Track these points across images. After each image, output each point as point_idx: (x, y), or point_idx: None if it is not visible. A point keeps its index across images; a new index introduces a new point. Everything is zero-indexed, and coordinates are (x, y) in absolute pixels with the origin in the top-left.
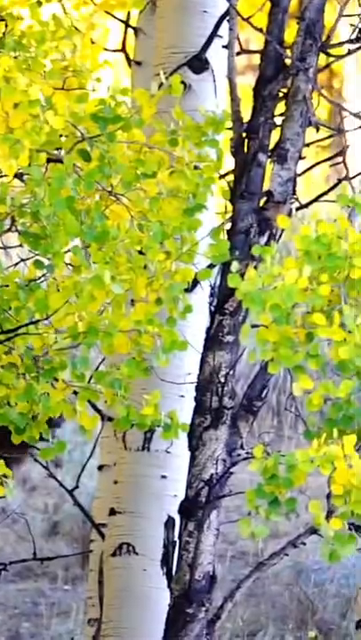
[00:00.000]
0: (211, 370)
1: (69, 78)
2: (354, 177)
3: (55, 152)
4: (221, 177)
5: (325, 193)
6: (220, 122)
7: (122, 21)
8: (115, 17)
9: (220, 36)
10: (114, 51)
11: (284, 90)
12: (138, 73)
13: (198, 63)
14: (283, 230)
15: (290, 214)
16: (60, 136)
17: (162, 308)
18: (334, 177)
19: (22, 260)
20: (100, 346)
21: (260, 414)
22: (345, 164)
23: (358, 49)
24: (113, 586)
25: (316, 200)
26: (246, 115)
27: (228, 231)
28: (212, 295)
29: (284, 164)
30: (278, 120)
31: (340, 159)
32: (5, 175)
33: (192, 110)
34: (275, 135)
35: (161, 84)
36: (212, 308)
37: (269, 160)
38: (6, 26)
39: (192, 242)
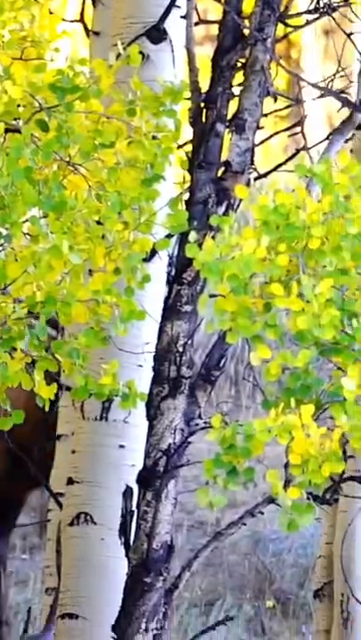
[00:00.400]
0: (169, 339)
1: (27, 48)
2: (312, 147)
3: (13, 122)
4: (179, 147)
5: (284, 163)
6: (178, 92)
7: None
8: None
9: (179, 7)
10: (72, 21)
11: (243, 60)
12: (96, 43)
13: (156, 33)
14: (241, 200)
15: (248, 184)
16: (18, 106)
17: (120, 278)
18: (292, 147)
19: None
20: (58, 315)
21: (218, 384)
22: (303, 134)
23: (316, 19)
24: (71, 555)
25: (274, 170)
26: (204, 85)
27: (186, 201)
28: (170, 265)
29: (243, 134)
30: (236, 90)
31: (298, 129)
32: None
33: (150, 80)
34: (233, 105)
35: (119, 55)
36: (171, 278)
37: (227, 130)
38: None
39: (150, 212)
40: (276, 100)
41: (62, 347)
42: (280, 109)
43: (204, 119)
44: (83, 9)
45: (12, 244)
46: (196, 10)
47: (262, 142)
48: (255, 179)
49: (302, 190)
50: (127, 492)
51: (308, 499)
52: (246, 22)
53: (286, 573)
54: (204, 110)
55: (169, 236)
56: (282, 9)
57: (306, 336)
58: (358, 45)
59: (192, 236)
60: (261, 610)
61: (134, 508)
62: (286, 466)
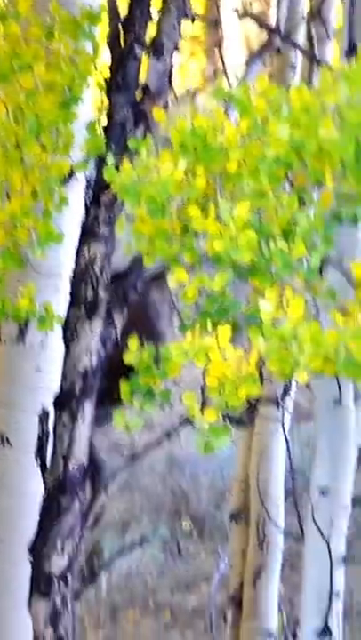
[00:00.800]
0: (86, 262)
1: None
2: (229, 71)
3: None
4: (98, 70)
5: (202, 87)
6: (96, 15)
7: None
8: None
9: None
10: None
11: None
12: None
13: None
14: (158, 123)
15: (166, 107)
16: None
17: (38, 201)
18: (210, 71)
19: None
20: None
21: None
22: (221, 57)
23: None
24: None
25: (192, 94)
26: (123, 8)
27: (104, 124)
28: (87, 188)
29: (160, 57)
30: (155, 13)
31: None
32: None
33: (69, 4)
34: (151, 28)
35: None
36: (88, 201)
37: (146, 53)
38: None
39: (68, 135)
40: (193, 22)
41: None
42: (198, 32)
43: (122, 42)
44: None
45: None
46: None
47: (180, 65)
48: (173, 101)
49: (220, 113)
50: (44, 415)
51: (224, 421)
52: None
53: (202, 495)
54: (123, 34)
55: (87, 159)
56: None
57: (223, 258)
58: None
59: (110, 158)
60: (177, 531)
61: (51, 430)
62: (203, 388)
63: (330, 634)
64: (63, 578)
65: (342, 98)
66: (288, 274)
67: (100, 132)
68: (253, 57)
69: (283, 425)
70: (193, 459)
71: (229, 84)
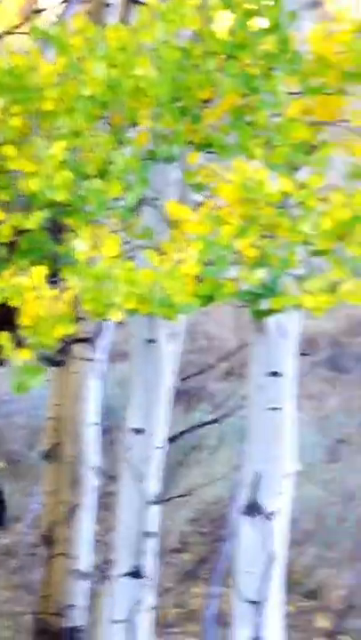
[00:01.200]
0: None
1: None
2: (46, 9)
3: None
4: None
5: (18, 26)
6: None
7: None
8: None
9: None
10: None
11: None
12: None
13: None
14: None
15: None
16: None
17: None
18: (28, 9)
19: None
20: None
21: None
22: None
23: None
24: None
25: (9, 33)
26: None
27: None
28: None
29: None
30: None
31: None
32: None
33: None
34: None
35: None
36: None
37: None
38: None
39: None
40: None
41: None
42: None
43: None
44: None
45: None
46: None
47: None
48: None
49: (37, 52)
50: None
51: (38, 360)
52: None
53: (17, 435)
54: None
55: None
56: None
57: (38, 197)
58: None
59: None
60: None
61: None
62: (17, 327)
63: (141, 574)
64: None
65: (159, 37)
66: (103, 213)
67: None
68: None
69: (97, 364)
70: (8, 398)
71: (47, 23)
